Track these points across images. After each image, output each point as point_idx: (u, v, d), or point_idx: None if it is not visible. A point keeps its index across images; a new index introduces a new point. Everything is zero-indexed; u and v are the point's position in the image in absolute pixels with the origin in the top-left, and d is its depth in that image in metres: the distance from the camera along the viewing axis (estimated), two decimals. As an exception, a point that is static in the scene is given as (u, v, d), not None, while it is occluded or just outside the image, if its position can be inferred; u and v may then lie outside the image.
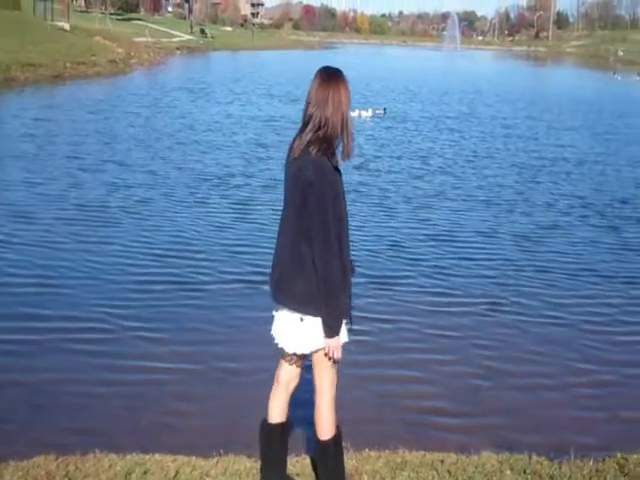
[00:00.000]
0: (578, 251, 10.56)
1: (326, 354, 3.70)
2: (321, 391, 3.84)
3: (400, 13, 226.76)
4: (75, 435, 5.15)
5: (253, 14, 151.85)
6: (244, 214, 11.71)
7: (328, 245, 3.58)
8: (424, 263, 9.60)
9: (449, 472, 4.56)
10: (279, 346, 3.86)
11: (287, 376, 3.97)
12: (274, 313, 3.89)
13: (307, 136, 3.64)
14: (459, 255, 10.02)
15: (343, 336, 3.75)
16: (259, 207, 12.11)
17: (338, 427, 3.92)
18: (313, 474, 4.38)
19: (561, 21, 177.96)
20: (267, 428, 4.02)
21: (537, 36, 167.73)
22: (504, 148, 20.07)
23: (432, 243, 10.55)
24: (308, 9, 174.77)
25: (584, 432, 5.64)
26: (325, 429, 3.86)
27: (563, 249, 10.58)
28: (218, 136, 19.66)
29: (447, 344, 7.13)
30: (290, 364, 3.94)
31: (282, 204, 3.86)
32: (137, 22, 77.64)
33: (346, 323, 3.78)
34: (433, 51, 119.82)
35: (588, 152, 20.01)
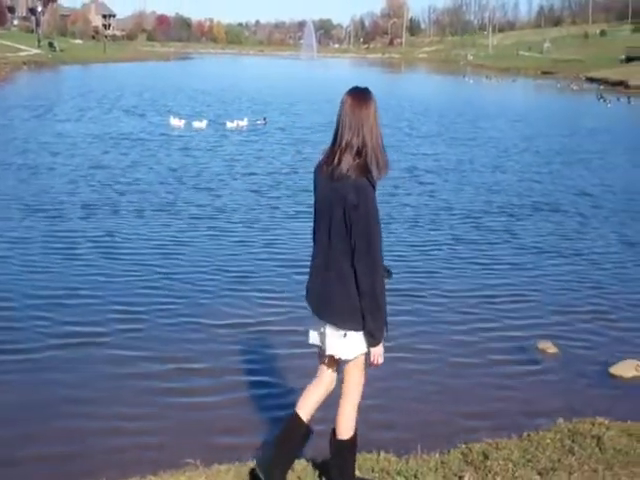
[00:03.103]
0: (444, 270, 10.15)
1: (371, 362, 3.91)
2: (348, 392, 4.04)
3: (257, 22, 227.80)
4: None
5: (105, 25, 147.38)
6: (69, 253, 10.18)
7: (375, 264, 3.77)
8: (263, 293, 8.86)
9: (299, 477, 4.54)
10: (326, 353, 4.01)
11: (329, 378, 4.15)
12: (317, 328, 4.04)
13: (347, 162, 3.76)
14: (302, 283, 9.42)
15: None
16: (89, 242, 10.71)
17: (356, 430, 4.10)
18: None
19: (414, 28, 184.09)
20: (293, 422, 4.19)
21: (391, 43, 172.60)
22: None
23: (280, 270, 9.81)
24: (162, 19, 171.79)
25: (430, 429, 5.76)
26: (345, 429, 4.06)
27: (427, 270, 10.11)
28: (54, 158, 18.09)
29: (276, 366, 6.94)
30: (333, 367, 4.12)
31: (314, 224, 4.03)
32: (-20, 36, 73.85)
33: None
34: (291, 60, 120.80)
35: (443, 159, 20.34)
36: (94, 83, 48.02)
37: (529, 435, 5.26)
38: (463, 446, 5.06)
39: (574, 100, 48.95)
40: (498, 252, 11.16)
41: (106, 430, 5.64)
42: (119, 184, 15.10)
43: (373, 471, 4.67)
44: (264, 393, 6.33)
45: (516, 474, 4.57)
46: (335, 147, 3.85)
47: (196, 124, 25.37)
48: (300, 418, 4.16)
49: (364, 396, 6.27)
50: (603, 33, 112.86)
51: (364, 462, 4.79)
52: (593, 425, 5.34)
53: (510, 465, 4.69)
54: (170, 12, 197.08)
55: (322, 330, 4.01)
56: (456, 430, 5.67)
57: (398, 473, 4.66)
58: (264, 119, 27.22)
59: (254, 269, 9.80)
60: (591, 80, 67.18)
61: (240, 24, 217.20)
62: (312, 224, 4.10)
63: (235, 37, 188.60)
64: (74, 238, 10.96)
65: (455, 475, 4.64)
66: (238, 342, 7.36)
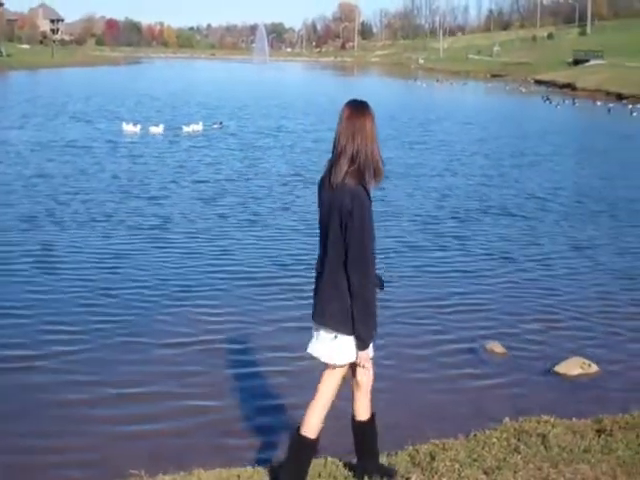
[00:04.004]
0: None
1: (358, 364, 4.16)
2: (321, 395, 4.25)
3: (208, 26, 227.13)
4: None
5: (53, 30, 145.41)
6: (4, 269, 9.65)
7: (367, 270, 3.98)
8: (209, 309, 8.51)
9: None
10: (322, 360, 4.20)
11: (357, 377, 4.34)
12: (314, 333, 4.23)
13: (342, 168, 3.96)
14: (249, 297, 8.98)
15: (370, 350, 4.18)
16: (26, 257, 10.18)
17: (320, 433, 4.29)
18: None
19: (365, 32, 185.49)
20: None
21: (343, 47, 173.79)
22: (309, 165, 19.66)
23: (227, 283, 9.49)
24: (111, 24, 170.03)
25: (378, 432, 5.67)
26: (312, 427, 4.26)
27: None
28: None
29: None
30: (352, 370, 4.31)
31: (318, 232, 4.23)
32: None
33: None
34: (243, 63, 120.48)
35: (394, 163, 20.02)
36: (41, 89, 47.31)
37: (476, 435, 5.29)
38: (410, 448, 5.06)
39: (523, 102, 49.71)
40: (448, 257, 11.08)
41: (44, 461, 5.37)
42: (62, 194, 14.57)
43: (320, 476, 4.64)
44: (208, 417, 6.09)
45: (462, 474, 4.59)
46: (333, 156, 4.05)
47: (153, 129, 25.04)
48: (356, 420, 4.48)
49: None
50: (551, 36, 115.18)
51: (311, 467, 4.75)
52: (539, 423, 5.40)
53: (456, 465, 4.71)
54: (120, 16, 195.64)
55: (316, 336, 4.20)
56: (404, 432, 5.65)
57: (345, 478, 4.65)
58: (220, 123, 27.27)
59: (200, 282, 9.45)
60: (539, 82, 68.47)
61: (191, 28, 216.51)
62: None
63: (186, 41, 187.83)
64: (10, 252, 10.44)
65: (402, 477, 4.64)
66: (181, 362, 7.07)
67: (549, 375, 7.02)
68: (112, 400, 6.29)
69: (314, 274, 4.29)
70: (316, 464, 4.80)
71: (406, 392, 6.62)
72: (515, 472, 4.60)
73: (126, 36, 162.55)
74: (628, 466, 4.69)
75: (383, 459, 4.89)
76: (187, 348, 7.38)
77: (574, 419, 5.56)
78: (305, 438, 4.27)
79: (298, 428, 4.32)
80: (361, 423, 4.48)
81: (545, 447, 5.00)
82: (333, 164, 4.03)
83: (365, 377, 4.33)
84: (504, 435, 5.22)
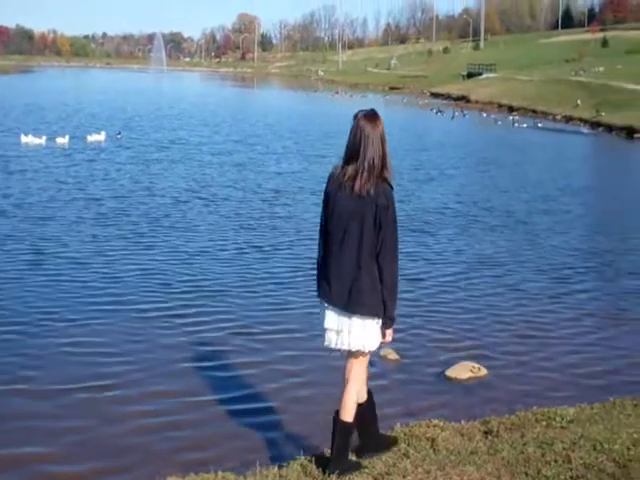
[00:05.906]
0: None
1: (385, 341, 4.65)
2: (353, 380, 4.70)
3: (104, 34, 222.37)
4: None
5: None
6: None
7: (396, 258, 4.51)
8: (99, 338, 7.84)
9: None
10: (353, 350, 4.59)
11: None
12: (339, 327, 4.56)
13: (371, 175, 4.42)
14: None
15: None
16: None
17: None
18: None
19: (265, 43, 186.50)
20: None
21: (243, 57, 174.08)
22: (205, 180, 19.34)
23: (117, 311, 9.34)
24: (1, 30, 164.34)
25: (271, 445, 5.76)
26: (349, 412, 4.70)
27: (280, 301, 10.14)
28: None
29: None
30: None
31: (330, 236, 4.56)
32: None
33: None
34: (139, 73, 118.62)
35: (302, 178, 20.08)
36: None
37: (367, 442, 5.31)
38: (302, 458, 5.04)
39: (419, 115, 50.75)
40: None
41: None
42: None
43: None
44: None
45: (352, 482, 4.61)
46: (357, 165, 4.44)
47: (59, 140, 24.22)
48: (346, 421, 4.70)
49: (202, 420, 6.20)
50: (446, 50, 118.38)
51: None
52: (429, 427, 5.50)
53: (347, 473, 4.72)
54: (10, 23, 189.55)
55: (345, 328, 4.53)
56: (297, 442, 5.65)
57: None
58: (119, 133, 26.95)
59: (80, 314, 8.54)
60: (435, 95, 70.27)
61: (86, 36, 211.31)
62: (327, 237, 4.61)
63: (81, 49, 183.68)
64: None
65: (294, 488, 4.63)
66: (57, 414, 6.27)
67: (440, 380, 7.17)
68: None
69: (322, 273, 4.64)
70: (206, 478, 4.76)
71: (299, 402, 6.58)
72: (404, 477, 4.64)
73: (17, 44, 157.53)
74: (512, 466, 4.80)
75: (274, 470, 4.87)
76: (65, 397, 6.54)
77: (463, 422, 5.69)
78: (347, 424, 4.70)
79: (337, 413, 4.72)
80: (345, 423, 4.72)
81: (434, 450, 5.09)
82: (361, 172, 4.42)
83: (359, 373, 4.70)
84: (394, 440, 5.28)
